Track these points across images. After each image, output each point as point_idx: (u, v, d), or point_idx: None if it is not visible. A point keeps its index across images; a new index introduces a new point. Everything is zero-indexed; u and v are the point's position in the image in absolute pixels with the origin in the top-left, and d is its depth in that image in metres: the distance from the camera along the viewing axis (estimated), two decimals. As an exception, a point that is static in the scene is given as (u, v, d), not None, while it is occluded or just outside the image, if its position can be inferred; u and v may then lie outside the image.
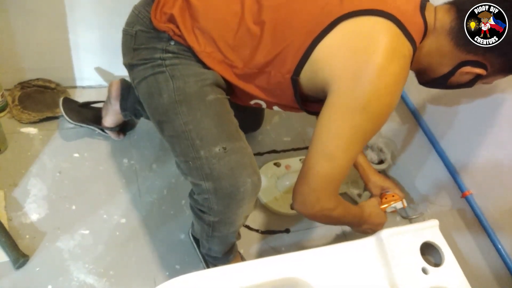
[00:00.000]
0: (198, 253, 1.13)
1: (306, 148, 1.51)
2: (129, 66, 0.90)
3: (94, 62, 1.40)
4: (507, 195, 1.04)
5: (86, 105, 1.31)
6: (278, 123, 1.59)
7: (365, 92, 0.72)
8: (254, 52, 0.82)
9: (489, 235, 1.08)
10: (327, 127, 0.77)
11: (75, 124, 1.27)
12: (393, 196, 1.07)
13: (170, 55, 0.83)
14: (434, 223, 0.90)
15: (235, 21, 0.82)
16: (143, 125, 1.38)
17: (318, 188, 0.80)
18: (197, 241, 1.12)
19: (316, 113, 0.91)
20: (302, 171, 0.82)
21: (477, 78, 0.82)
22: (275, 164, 1.42)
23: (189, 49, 0.83)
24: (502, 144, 1.04)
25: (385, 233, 0.84)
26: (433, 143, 1.26)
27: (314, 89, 0.82)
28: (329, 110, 0.77)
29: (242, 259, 1.15)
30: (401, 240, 0.84)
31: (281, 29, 0.80)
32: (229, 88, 0.90)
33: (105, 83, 1.46)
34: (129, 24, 0.90)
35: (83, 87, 1.45)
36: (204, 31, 0.83)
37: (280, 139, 1.53)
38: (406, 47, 0.75)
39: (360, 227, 1.00)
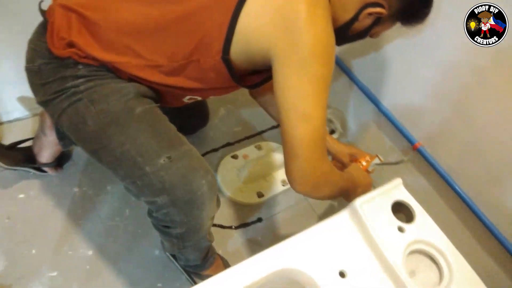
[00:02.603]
0: (177, 266, 1.10)
1: (259, 133, 1.52)
2: (44, 103, 0.82)
3: (15, 93, 1.28)
4: (454, 139, 1.11)
5: (13, 146, 1.20)
6: (225, 115, 1.56)
7: (306, 41, 0.70)
8: (174, 45, 0.78)
9: (446, 181, 1.15)
10: (288, 91, 0.74)
11: (8, 168, 1.17)
12: (365, 157, 1.09)
13: (82, 80, 0.77)
14: (398, 182, 0.93)
15: (144, 21, 0.78)
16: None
17: (309, 154, 0.76)
18: (173, 254, 1.09)
19: (255, 85, 0.89)
20: (286, 149, 0.78)
21: (375, 22, 0.85)
22: (232, 157, 1.41)
23: (101, 67, 0.78)
24: (439, 93, 1.10)
25: (358, 202, 0.86)
26: (376, 103, 1.31)
27: (250, 60, 0.79)
28: (281, 75, 0.74)
29: (222, 259, 1.14)
30: (373, 205, 0.87)
31: (194, 13, 0.76)
32: (157, 95, 0.86)
33: (33, 111, 1.35)
34: (30, 60, 0.82)
35: (10, 121, 1.32)
36: (114, 43, 0.77)
37: (231, 131, 1.52)
38: None
39: (355, 192, 0.97)
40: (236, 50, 0.76)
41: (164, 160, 0.75)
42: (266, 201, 1.34)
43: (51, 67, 0.79)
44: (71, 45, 0.77)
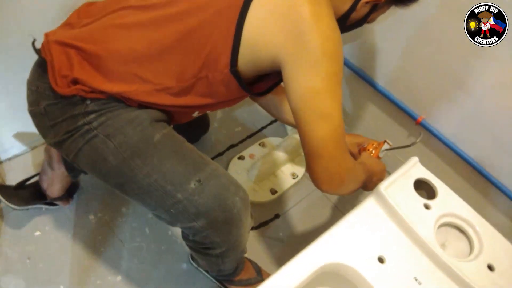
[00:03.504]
0: (209, 276, 1.11)
1: (259, 131, 1.53)
2: (56, 145, 0.79)
3: (10, 130, 1.25)
4: (455, 109, 1.14)
5: (21, 185, 1.17)
6: (223, 117, 1.56)
7: (315, 41, 0.70)
8: (181, 64, 0.77)
9: (453, 150, 1.18)
10: (303, 93, 0.73)
11: (21, 209, 1.14)
12: (373, 144, 1.10)
13: (93, 115, 0.75)
14: (415, 160, 0.96)
15: (146, 46, 0.76)
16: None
17: (333, 152, 0.76)
18: (196, 260, 1.09)
19: (264, 92, 0.89)
20: (308, 150, 0.77)
21: (372, 10, 0.85)
22: (239, 158, 1.41)
23: (110, 99, 0.76)
24: (435, 67, 1.12)
25: (382, 187, 0.88)
26: (372, 84, 1.33)
27: (258, 67, 0.78)
28: (294, 78, 0.73)
29: (250, 261, 1.15)
30: (396, 188, 0.89)
31: (197, 29, 0.75)
32: (168, 116, 0.84)
33: (30, 145, 1.31)
34: (33, 103, 0.79)
35: (10, 159, 1.29)
36: (119, 73, 0.76)
37: (232, 132, 1.51)
38: None
39: (371, 181, 0.97)
40: (244, 60, 0.76)
41: (194, 184, 0.75)
42: (280, 197, 1.36)
43: (58, 107, 0.76)
44: (75, 82, 0.75)
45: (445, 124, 1.19)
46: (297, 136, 1.47)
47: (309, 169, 0.80)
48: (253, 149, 1.45)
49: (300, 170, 1.43)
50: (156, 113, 0.80)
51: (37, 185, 1.15)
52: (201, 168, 0.77)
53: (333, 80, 0.74)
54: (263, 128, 1.55)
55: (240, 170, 1.37)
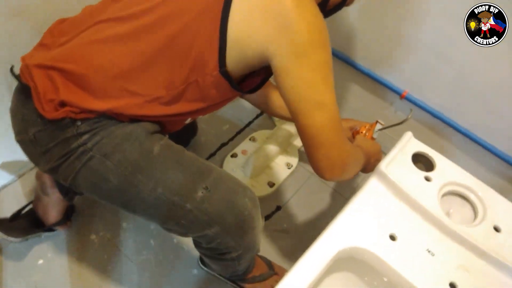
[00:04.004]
0: (222, 278, 1.11)
1: (247, 125, 1.52)
2: (51, 171, 0.77)
3: (-6, 160, 1.21)
4: (437, 79, 1.16)
5: (17, 216, 1.13)
6: (210, 117, 1.55)
7: (301, 32, 0.69)
8: (169, 73, 0.75)
9: (440, 119, 1.21)
10: (296, 85, 0.73)
11: (20, 240, 1.11)
12: (365, 126, 1.11)
13: (86, 136, 0.73)
14: (409, 135, 0.97)
15: (131, 58, 0.74)
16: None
17: (333, 140, 0.76)
18: (208, 265, 1.09)
19: (254, 89, 0.88)
20: (307, 140, 0.77)
21: None
22: (232, 156, 1.40)
23: (100, 117, 0.74)
24: (413, 40, 1.14)
25: (382, 166, 0.89)
26: (353, 65, 1.33)
27: (248, 65, 0.77)
28: (285, 71, 0.72)
29: (260, 256, 1.15)
30: (395, 165, 0.91)
31: (179, 35, 0.73)
32: (161, 127, 0.83)
33: (17, 173, 1.27)
34: (21, 131, 0.76)
35: (-1, 191, 1.25)
36: (107, 90, 0.73)
37: (220, 131, 1.50)
38: None
39: (369, 163, 0.98)
40: (232, 60, 0.75)
41: (202, 192, 0.74)
42: (278, 189, 1.36)
43: (48, 133, 0.74)
44: (62, 104, 0.72)
45: (430, 95, 1.22)
46: (285, 127, 1.47)
47: (311, 159, 0.80)
48: (245, 145, 1.44)
49: (294, 159, 1.43)
50: (150, 125, 0.79)
51: (32, 213, 1.12)
52: (206, 174, 0.77)
53: (325, 68, 0.74)
54: (250, 122, 1.54)
55: (235, 168, 1.37)
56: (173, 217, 0.76)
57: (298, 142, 1.49)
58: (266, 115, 1.58)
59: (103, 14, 0.79)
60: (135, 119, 0.77)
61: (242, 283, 1.11)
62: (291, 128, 1.47)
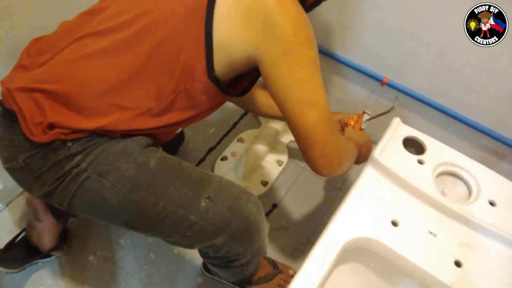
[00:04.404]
0: (228, 283, 1.11)
1: (234, 127, 1.52)
2: (45, 196, 0.74)
3: (-22, 191, 1.17)
4: (416, 63, 1.18)
5: (11, 246, 1.09)
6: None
7: (287, 31, 0.69)
8: (157, 83, 0.74)
9: (423, 101, 1.23)
10: (286, 85, 0.72)
11: (18, 271, 1.08)
12: (353, 118, 1.12)
13: (79, 157, 0.71)
14: (397, 121, 0.99)
15: (117, 72, 0.72)
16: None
17: (327, 136, 0.75)
18: (213, 271, 1.08)
19: (243, 92, 0.87)
20: (301, 139, 0.76)
21: None
22: (222, 159, 1.40)
23: (91, 135, 0.72)
24: (391, 27, 1.16)
25: (376, 154, 0.91)
26: (331, 56, 1.35)
27: (236, 68, 0.77)
28: (274, 72, 0.72)
29: (264, 257, 1.15)
30: (388, 152, 0.92)
31: (164, 44, 0.72)
32: (153, 139, 0.81)
33: (5, 202, 1.23)
34: (10, 158, 0.74)
35: (-13, 222, 1.21)
36: (95, 107, 0.72)
37: (207, 135, 1.49)
38: None
39: (361, 154, 0.98)
40: (220, 64, 0.74)
41: (205, 202, 0.74)
42: (271, 187, 1.37)
43: (38, 157, 0.72)
44: (51, 126, 0.70)
45: (411, 79, 1.24)
46: (271, 125, 1.47)
47: (307, 158, 0.79)
48: (233, 147, 1.44)
49: (284, 156, 1.44)
50: (143, 139, 0.77)
51: (26, 241, 1.09)
52: (207, 183, 0.76)
53: (313, 65, 0.73)
54: (236, 123, 1.54)
55: (226, 171, 1.36)
56: (178, 231, 0.75)
57: (285, 139, 1.49)
58: (251, 114, 1.58)
59: (82, 29, 0.76)
60: (127, 134, 0.75)
61: (248, 285, 1.11)
62: (277, 125, 1.47)
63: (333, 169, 0.80)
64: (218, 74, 0.75)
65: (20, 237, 1.10)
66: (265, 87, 0.76)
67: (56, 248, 1.10)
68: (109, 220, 0.77)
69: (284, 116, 0.77)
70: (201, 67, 0.73)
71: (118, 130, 0.73)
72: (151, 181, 0.73)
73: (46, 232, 1.07)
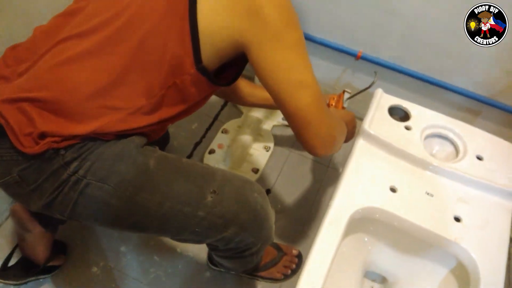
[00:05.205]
0: (239, 273, 1.12)
1: (216, 119, 1.51)
2: (45, 207, 0.73)
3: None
4: (389, 34, 1.21)
5: (6, 264, 1.07)
6: (175, 120, 1.52)
7: (272, 14, 0.69)
8: (146, 80, 0.73)
9: (399, 70, 1.27)
10: (275, 68, 0.72)
11: (20, 284, 1.06)
12: (334, 98, 1.14)
13: (75, 164, 0.69)
14: (380, 92, 1.02)
15: (105, 73, 0.70)
16: (74, 226, 1.20)
17: (320, 116, 0.75)
18: (219, 263, 1.09)
19: (232, 81, 0.87)
20: (295, 121, 0.76)
21: None
22: (209, 153, 1.40)
23: (84, 141, 0.70)
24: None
25: (365, 126, 0.94)
26: (305, 36, 1.35)
27: (224, 56, 0.76)
28: (262, 57, 0.71)
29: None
30: (376, 122, 0.95)
31: (148, 39, 0.71)
32: (147, 137, 0.80)
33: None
34: (2, 174, 0.71)
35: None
36: (85, 111, 0.70)
37: (190, 131, 1.48)
38: None
39: (349, 131, 0.98)
40: (207, 54, 0.73)
41: (211, 197, 0.74)
42: (263, 173, 1.38)
43: (33, 169, 0.69)
44: (42, 136, 0.68)
45: (384, 50, 1.27)
46: (253, 114, 1.48)
47: (301, 140, 0.79)
48: (219, 139, 1.44)
49: (269, 142, 1.45)
50: (138, 139, 0.76)
51: (22, 259, 1.07)
52: (210, 178, 0.76)
53: (300, 47, 0.74)
54: (217, 115, 1.54)
55: (216, 164, 1.37)
56: (187, 228, 0.75)
57: (268, 125, 1.50)
58: (232, 104, 1.57)
59: (61, 32, 0.74)
60: (121, 135, 0.74)
61: (256, 272, 1.13)
62: (258, 114, 1.48)
63: (328, 148, 0.80)
64: (206, 65, 0.74)
65: (14, 255, 1.08)
66: (254, 73, 0.77)
67: (52, 258, 1.08)
68: (114, 225, 0.76)
69: (275, 101, 0.77)
70: (189, 59, 0.72)
71: (112, 132, 0.72)
72: (153, 181, 0.72)
73: (37, 242, 1.04)
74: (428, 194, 0.86)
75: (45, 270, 1.09)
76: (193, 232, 0.76)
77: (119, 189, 0.70)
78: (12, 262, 1.09)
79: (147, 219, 0.74)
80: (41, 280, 1.10)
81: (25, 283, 1.07)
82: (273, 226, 0.88)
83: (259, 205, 0.78)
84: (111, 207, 0.71)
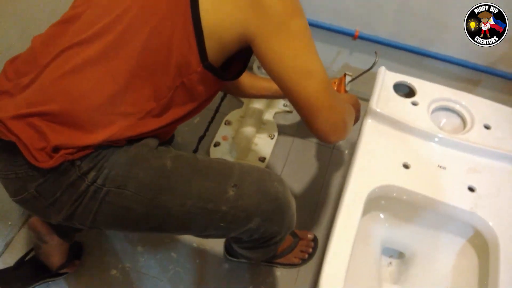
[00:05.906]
0: (259, 262, 1.13)
1: (217, 111, 1.51)
2: (66, 219, 0.73)
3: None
4: (383, 12, 1.21)
5: (21, 263, 1.07)
6: (176, 116, 1.51)
7: (275, 5, 0.68)
8: (153, 83, 0.72)
9: (396, 47, 1.27)
10: (282, 58, 0.71)
11: None
12: (335, 82, 1.14)
13: (92, 173, 0.69)
14: (383, 70, 1.02)
15: (112, 80, 0.69)
16: (89, 231, 1.20)
17: (329, 102, 0.74)
18: (238, 254, 1.10)
19: (238, 74, 0.86)
20: (304, 110, 0.75)
21: None
22: (214, 145, 1.40)
23: (98, 149, 0.70)
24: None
25: (372, 104, 0.94)
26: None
27: (229, 51, 0.75)
28: (268, 48, 0.70)
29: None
30: (382, 100, 0.96)
31: (152, 43, 0.70)
32: (158, 139, 0.79)
33: (5, 242, 1.19)
34: (19, 191, 0.71)
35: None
36: (96, 120, 0.69)
37: (193, 125, 1.48)
38: None
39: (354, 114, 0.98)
40: (212, 50, 0.73)
41: (232, 191, 0.74)
42: (269, 161, 1.38)
43: (50, 183, 0.69)
44: (55, 149, 0.67)
45: (381, 27, 1.27)
46: (253, 106, 1.47)
47: (312, 128, 0.77)
48: (223, 131, 1.44)
49: (273, 130, 1.45)
50: (151, 141, 0.76)
51: (36, 259, 1.07)
52: (229, 172, 0.76)
53: (305, 35, 0.73)
54: (218, 107, 1.53)
55: (222, 156, 1.37)
56: (211, 224, 0.75)
57: (270, 114, 1.50)
58: (230, 96, 1.57)
59: (61, 41, 0.72)
60: (133, 140, 0.74)
61: (274, 260, 1.15)
62: (258, 105, 1.47)
63: (340, 134, 0.79)
64: (212, 61, 0.74)
65: (30, 255, 1.09)
66: (260, 65, 0.76)
67: (66, 265, 1.09)
68: (136, 229, 0.77)
69: (283, 90, 0.77)
70: (195, 57, 0.71)
71: (124, 138, 0.72)
72: (172, 182, 0.72)
73: (54, 252, 1.05)
74: (440, 167, 0.87)
75: (55, 275, 1.10)
76: (218, 227, 0.77)
77: (139, 194, 0.70)
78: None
79: (170, 220, 0.74)
80: (49, 282, 1.11)
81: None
82: (295, 213, 0.88)
83: (280, 194, 0.78)
84: (133, 212, 0.72)
